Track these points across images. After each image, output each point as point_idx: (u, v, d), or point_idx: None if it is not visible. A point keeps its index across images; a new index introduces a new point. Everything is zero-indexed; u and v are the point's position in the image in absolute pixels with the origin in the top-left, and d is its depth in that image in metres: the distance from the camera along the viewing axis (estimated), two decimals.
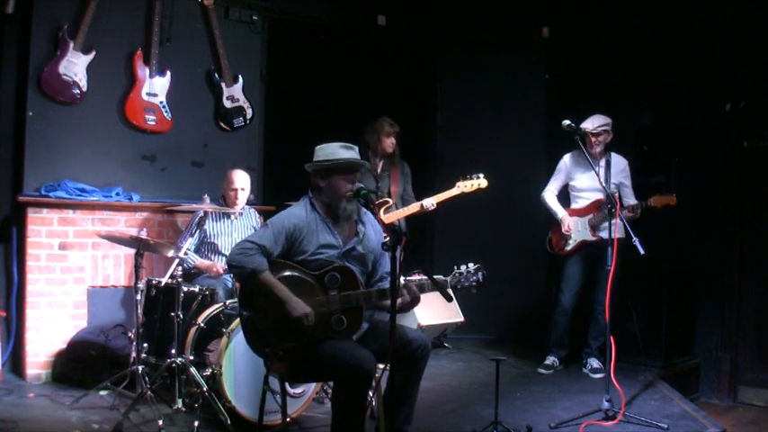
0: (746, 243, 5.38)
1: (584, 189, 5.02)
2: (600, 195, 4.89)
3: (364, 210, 3.32)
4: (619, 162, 4.93)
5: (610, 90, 5.89)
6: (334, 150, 3.23)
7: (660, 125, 5.78)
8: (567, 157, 5.13)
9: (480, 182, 5.10)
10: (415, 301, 3.11)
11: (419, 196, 5.38)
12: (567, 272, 5.09)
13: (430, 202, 5.14)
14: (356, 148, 3.30)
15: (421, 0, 6.69)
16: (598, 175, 4.35)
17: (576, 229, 4.99)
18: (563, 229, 4.99)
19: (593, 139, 4.77)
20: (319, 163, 3.23)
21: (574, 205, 5.10)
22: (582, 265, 5.03)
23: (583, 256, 5.02)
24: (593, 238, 4.91)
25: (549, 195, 5.14)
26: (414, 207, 5.18)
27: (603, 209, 4.83)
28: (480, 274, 3.17)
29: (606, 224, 4.83)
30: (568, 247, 5.02)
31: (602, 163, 4.81)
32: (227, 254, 4.53)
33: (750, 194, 5.36)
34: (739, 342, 5.35)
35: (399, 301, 3.07)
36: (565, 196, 5.18)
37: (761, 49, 5.11)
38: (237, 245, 3.11)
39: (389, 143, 5.28)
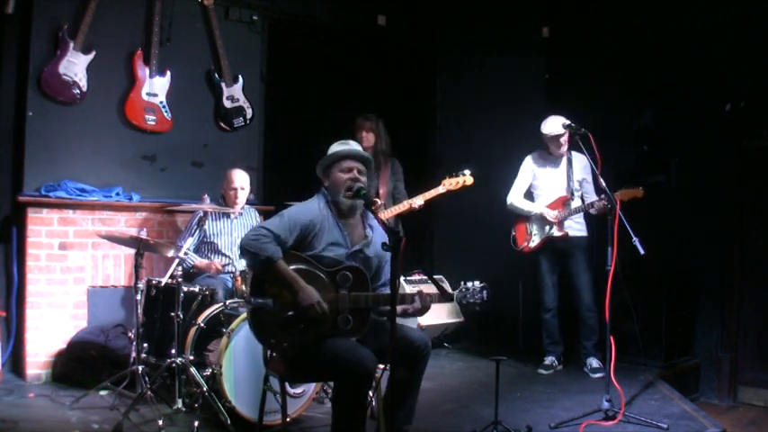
0: (746, 243, 5.37)
1: (547, 187, 5.08)
2: (563, 193, 4.97)
3: (371, 215, 3.35)
4: (581, 159, 4.96)
5: (610, 90, 5.88)
6: (331, 148, 3.33)
7: (660, 125, 5.77)
8: (529, 158, 5.18)
9: (466, 179, 4.91)
10: (425, 309, 3.14)
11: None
12: (540, 272, 5.15)
13: (418, 203, 5.00)
14: (351, 143, 3.36)
15: (421, 0, 6.69)
16: (596, 173, 4.35)
17: (541, 226, 5.04)
18: (551, 217, 4.96)
19: (560, 141, 4.88)
20: (321, 163, 3.31)
21: (537, 202, 5.14)
22: (552, 263, 5.12)
23: (549, 253, 5.09)
24: (560, 234, 4.97)
25: (518, 199, 5.16)
26: (403, 206, 5.06)
27: (569, 204, 4.94)
28: (485, 292, 3.19)
29: (571, 221, 4.95)
30: (533, 244, 5.09)
31: (564, 161, 4.97)
32: (228, 253, 4.58)
33: (750, 194, 5.36)
34: (739, 342, 5.34)
35: (410, 307, 3.13)
36: (526, 196, 5.21)
37: (761, 49, 5.10)
38: (252, 230, 3.10)
39: (361, 137, 5.08)
